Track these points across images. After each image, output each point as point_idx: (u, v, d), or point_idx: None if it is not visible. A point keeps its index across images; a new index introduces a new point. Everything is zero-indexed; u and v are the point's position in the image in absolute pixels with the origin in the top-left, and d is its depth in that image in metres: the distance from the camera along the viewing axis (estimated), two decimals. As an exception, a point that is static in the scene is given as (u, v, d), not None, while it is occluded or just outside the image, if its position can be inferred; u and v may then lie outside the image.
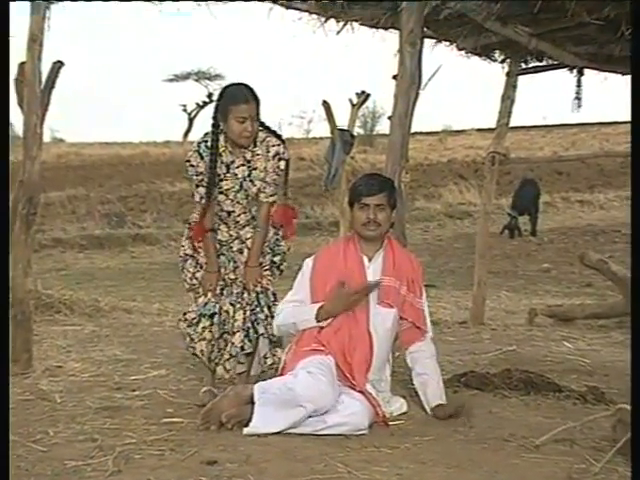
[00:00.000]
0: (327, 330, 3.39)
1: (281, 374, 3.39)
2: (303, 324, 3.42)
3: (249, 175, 3.66)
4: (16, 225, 4.19)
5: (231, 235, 3.75)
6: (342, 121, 8.30)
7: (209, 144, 3.64)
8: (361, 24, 5.10)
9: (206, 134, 3.68)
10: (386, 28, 5.06)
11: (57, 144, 33.24)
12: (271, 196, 3.69)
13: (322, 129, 35.64)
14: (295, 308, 3.47)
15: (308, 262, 3.55)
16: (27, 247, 4.25)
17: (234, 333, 3.70)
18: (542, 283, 10.09)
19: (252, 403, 3.17)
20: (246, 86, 3.61)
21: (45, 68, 4.27)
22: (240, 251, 3.75)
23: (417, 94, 4.40)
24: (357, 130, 20.72)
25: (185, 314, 3.79)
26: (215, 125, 3.64)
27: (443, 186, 20.77)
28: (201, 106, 44.43)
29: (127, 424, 3.32)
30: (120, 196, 20.11)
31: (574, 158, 11.47)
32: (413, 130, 4.54)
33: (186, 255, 3.80)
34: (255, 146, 3.66)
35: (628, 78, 4.12)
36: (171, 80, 45.34)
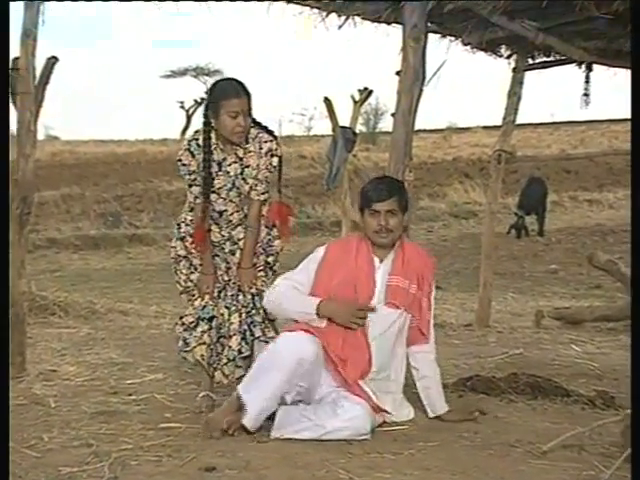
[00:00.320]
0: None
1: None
2: (299, 315, 3.40)
3: (241, 173, 3.66)
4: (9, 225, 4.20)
5: (223, 236, 3.75)
6: (344, 118, 8.29)
7: (200, 142, 3.64)
8: (363, 19, 5.09)
9: (196, 132, 3.68)
10: (389, 23, 5.06)
11: (51, 142, 33.27)
12: (263, 194, 3.69)
13: (323, 126, 35.73)
14: (292, 292, 3.44)
15: (320, 249, 3.56)
16: (21, 248, 4.25)
17: (231, 337, 3.71)
18: (549, 284, 10.09)
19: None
20: (236, 80, 3.61)
21: (39, 64, 4.27)
22: (232, 252, 3.76)
23: (421, 90, 4.39)
24: (359, 128, 20.73)
25: (182, 317, 3.79)
26: (206, 123, 3.63)
27: (448, 185, 20.77)
28: (199, 103, 44.35)
29: (123, 429, 3.32)
30: (116, 195, 20.13)
31: (582, 156, 11.49)
32: (417, 127, 4.54)
33: (179, 256, 3.80)
34: (247, 143, 3.66)
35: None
36: (168, 76, 45.39)
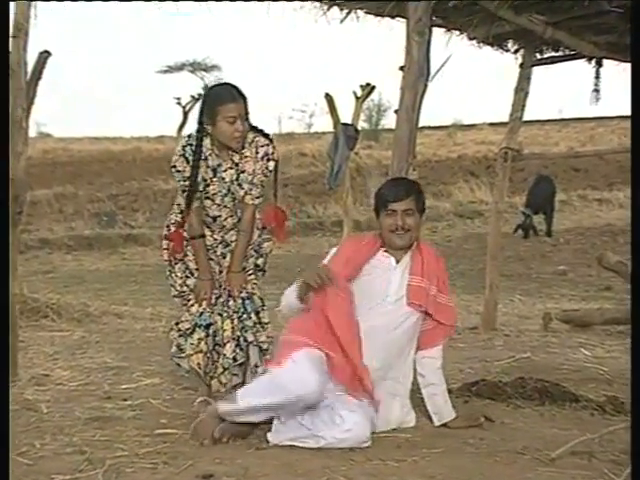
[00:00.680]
0: (318, 329, 3.38)
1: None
2: (293, 304, 3.40)
3: (237, 178, 3.69)
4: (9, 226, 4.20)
5: (215, 239, 3.78)
6: (346, 115, 8.30)
7: (193, 148, 3.63)
8: (366, 12, 5.10)
9: (189, 136, 3.68)
10: (392, 16, 5.07)
11: (44, 139, 33.26)
12: (257, 198, 3.71)
13: (324, 123, 35.73)
14: (287, 290, 3.48)
15: (333, 249, 3.60)
16: (12, 248, 4.25)
17: (225, 344, 3.73)
18: (558, 286, 10.08)
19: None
20: (231, 85, 3.62)
21: (31, 59, 4.28)
22: (224, 256, 3.78)
23: (425, 86, 4.40)
24: (361, 124, 20.65)
25: (178, 323, 3.79)
26: (200, 130, 3.63)
27: (453, 184, 20.76)
28: (196, 99, 44.37)
29: (118, 435, 3.32)
30: (111, 194, 20.14)
31: (592, 154, 11.45)
32: (421, 124, 4.54)
33: (175, 258, 3.81)
34: (243, 148, 3.67)
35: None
36: (165, 71, 45.34)
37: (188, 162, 3.64)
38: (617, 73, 5.95)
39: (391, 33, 5.06)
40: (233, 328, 3.73)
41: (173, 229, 3.77)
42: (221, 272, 3.77)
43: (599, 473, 2.93)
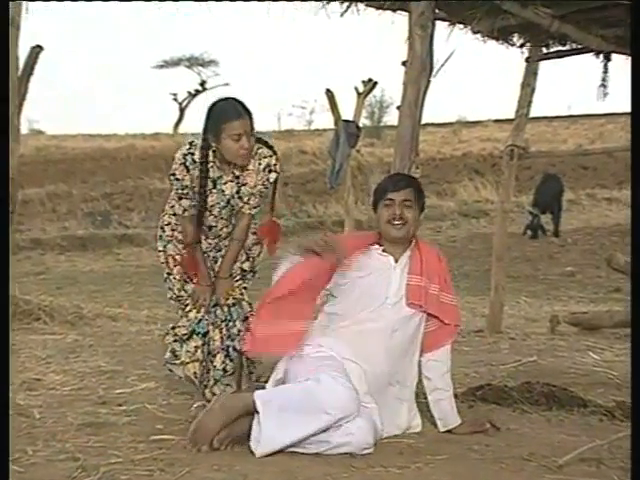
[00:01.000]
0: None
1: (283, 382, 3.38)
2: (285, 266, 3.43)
3: (238, 192, 3.70)
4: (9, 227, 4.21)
5: (209, 244, 3.83)
6: (347, 111, 8.31)
7: (196, 157, 3.64)
8: (367, 5, 5.09)
9: (191, 144, 3.68)
10: (394, 10, 5.06)
11: (36, 136, 33.27)
12: (254, 208, 3.75)
13: (325, 120, 35.80)
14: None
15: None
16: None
17: (215, 355, 3.74)
18: (565, 288, 10.09)
19: (247, 415, 3.16)
20: (235, 100, 3.63)
21: (22, 53, 4.28)
22: (215, 260, 3.81)
23: (428, 82, 4.40)
24: (363, 121, 20.65)
25: (174, 328, 3.80)
26: (205, 147, 3.63)
27: (457, 182, 20.77)
28: (193, 95, 44.49)
29: (112, 442, 3.32)
30: (105, 193, 20.15)
31: (600, 151, 11.47)
32: (424, 121, 4.54)
33: (175, 260, 3.82)
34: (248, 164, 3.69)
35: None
36: (161, 67, 45.42)
37: (188, 171, 3.65)
38: (626, 67, 5.94)
39: (393, 27, 5.05)
40: (222, 338, 3.76)
41: (183, 254, 3.77)
42: (215, 277, 3.80)
43: (608, 480, 2.93)
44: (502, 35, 5.95)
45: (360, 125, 8.30)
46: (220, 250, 3.81)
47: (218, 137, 3.57)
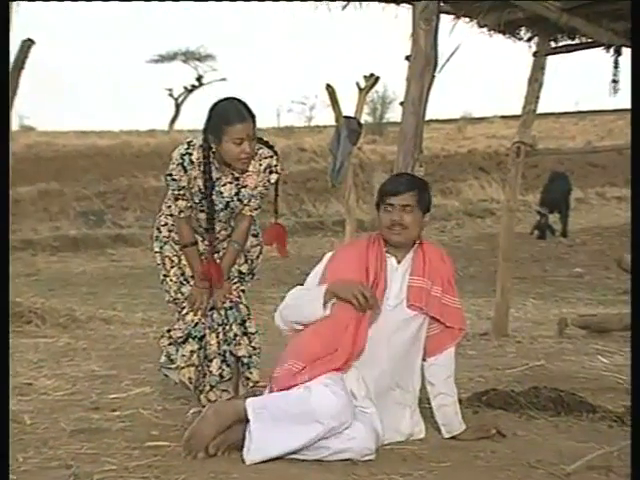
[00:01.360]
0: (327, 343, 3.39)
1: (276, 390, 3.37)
2: (308, 305, 3.40)
3: (237, 194, 3.70)
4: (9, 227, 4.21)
5: (207, 245, 3.82)
6: (348, 108, 8.30)
7: (194, 158, 3.63)
8: (370, -1, 5.09)
9: (189, 144, 3.67)
10: (398, 3, 5.06)
11: (26, 132, 33.26)
12: (255, 210, 3.75)
13: (325, 117, 35.77)
14: (301, 291, 3.49)
15: (327, 255, 3.60)
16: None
17: (211, 360, 3.74)
18: (574, 290, 10.08)
19: (241, 422, 3.16)
20: (239, 101, 3.61)
21: (13, 47, 4.28)
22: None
23: (432, 77, 4.40)
24: (365, 118, 20.64)
25: (170, 331, 3.81)
26: (205, 147, 3.63)
27: (462, 180, 20.77)
28: (189, 90, 44.47)
29: (106, 448, 3.32)
30: (98, 192, 20.14)
31: (610, 148, 11.45)
32: (428, 117, 4.54)
33: (172, 261, 3.82)
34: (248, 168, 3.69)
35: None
36: (156, 61, 45.39)
37: (186, 171, 3.65)
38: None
39: (396, 21, 5.05)
40: (219, 342, 3.76)
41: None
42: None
43: (618, 488, 2.94)
44: (509, 29, 5.96)
45: (362, 122, 8.27)
46: (218, 252, 3.82)
47: (219, 139, 3.56)
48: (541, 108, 6.62)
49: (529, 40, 6.28)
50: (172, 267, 3.82)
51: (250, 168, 3.67)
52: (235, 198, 3.70)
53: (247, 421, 3.14)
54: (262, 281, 3.90)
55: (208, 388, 3.77)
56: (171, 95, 44.04)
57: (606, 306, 8.57)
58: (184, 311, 3.79)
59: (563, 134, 27.88)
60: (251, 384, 3.81)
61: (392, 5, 5.13)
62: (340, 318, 3.33)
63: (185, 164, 3.64)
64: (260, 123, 3.72)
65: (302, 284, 3.58)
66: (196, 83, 44.21)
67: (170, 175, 3.67)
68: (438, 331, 3.53)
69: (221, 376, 3.75)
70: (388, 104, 31.81)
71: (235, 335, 3.77)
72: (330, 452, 3.15)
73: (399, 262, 3.51)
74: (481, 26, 5.65)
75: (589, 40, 6.07)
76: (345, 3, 5.07)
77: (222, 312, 3.77)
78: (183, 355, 3.75)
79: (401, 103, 4.48)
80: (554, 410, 3.92)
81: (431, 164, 20.53)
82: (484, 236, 15.25)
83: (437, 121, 29.71)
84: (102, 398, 4.23)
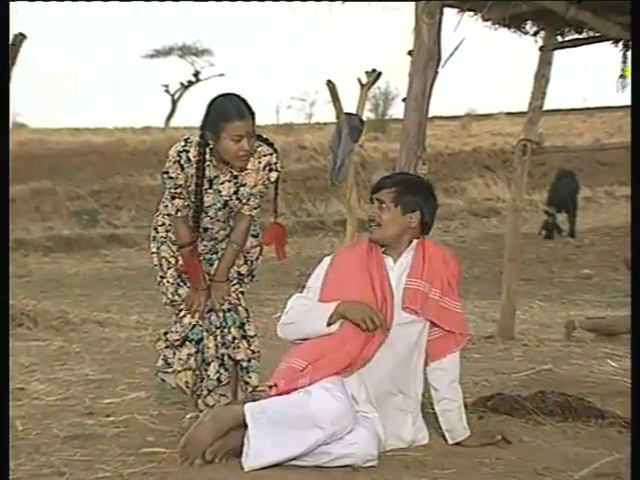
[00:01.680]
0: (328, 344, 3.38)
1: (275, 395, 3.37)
2: (311, 324, 3.40)
3: (236, 192, 3.70)
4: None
5: (205, 246, 3.84)
6: (349, 104, 8.30)
7: (191, 155, 3.63)
8: (372, -9, 5.10)
9: (186, 141, 3.67)
10: (400, -3, 5.06)
11: (18, 130, 33.28)
12: (255, 209, 3.75)
13: (326, 113, 35.85)
14: (304, 307, 3.47)
15: (327, 259, 3.60)
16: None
17: (209, 363, 3.74)
18: (581, 291, 10.08)
19: (240, 428, 3.16)
20: (239, 97, 3.61)
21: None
22: (211, 263, 3.82)
23: (436, 72, 4.40)
24: (367, 114, 20.66)
25: (167, 334, 3.81)
26: (202, 144, 3.63)
27: (467, 179, 20.78)
28: (186, 86, 44.54)
29: (100, 455, 3.32)
30: (92, 191, 20.16)
31: (619, 146, 11.44)
32: (431, 114, 4.55)
33: (169, 262, 3.82)
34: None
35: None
36: (151, 56, 45.48)
37: (183, 169, 3.64)
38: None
39: (399, 14, 5.06)
40: (217, 346, 3.76)
41: (178, 256, 3.76)
42: (211, 280, 3.79)
43: (627, 496, 2.94)
44: (514, 23, 5.96)
45: (364, 118, 8.27)
46: (216, 252, 3.82)
47: (217, 136, 3.56)
48: (548, 104, 6.61)
49: (535, 34, 6.28)
50: (169, 268, 3.82)
51: (249, 166, 3.67)
52: (234, 197, 3.70)
53: (246, 426, 3.14)
54: (261, 283, 3.90)
55: (206, 392, 3.77)
56: (167, 91, 44.16)
57: (615, 308, 8.57)
58: (181, 314, 3.79)
59: (571, 131, 27.90)
60: (250, 389, 3.80)
61: (394, -1, 5.14)
62: (350, 329, 3.34)
63: (182, 162, 3.63)
64: (259, 120, 3.71)
65: (301, 285, 3.58)
66: (193, 79, 44.32)
67: (167, 173, 3.67)
68: (440, 335, 3.52)
69: (219, 380, 3.75)
70: (390, 100, 31.87)
71: (234, 338, 3.77)
72: (331, 457, 3.15)
73: (395, 261, 3.50)
74: (486, 20, 5.65)
75: (597, 34, 6.07)
76: (346, -3, 5.07)
77: (220, 314, 3.77)
78: (180, 359, 3.75)
79: (404, 99, 4.48)
80: (561, 415, 3.92)
81: (434, 162, 20.53)
82: (489, 236, 15.25)
83: (441, 118, 29.74)
84: (96, 403, 4.23)
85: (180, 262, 3.80)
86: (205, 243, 3.81)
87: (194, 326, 3.76)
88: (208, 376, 3.75)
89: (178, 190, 3.67)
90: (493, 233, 15.46)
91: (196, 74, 44.57)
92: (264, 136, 3.75)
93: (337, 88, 8.32)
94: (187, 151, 3.64)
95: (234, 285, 3.83)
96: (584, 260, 12.97)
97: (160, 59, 45.59)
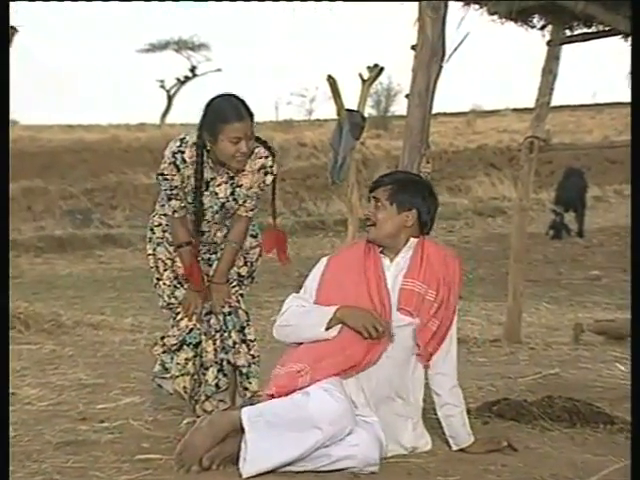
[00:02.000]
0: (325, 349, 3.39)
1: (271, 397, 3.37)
2: (309, 329, 3.41)
3: (232, 193, 3.71)
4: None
5: (204, 245, 3.84)
6: (351, 100, 8.31)
7: (186, 156, 3.63)
8: (374, -16, 5.10)
9: (182, 141, 3.68)
10: (403, -11, 5.07)
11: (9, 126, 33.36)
12: (251, 210, 3.76)
13: (327, 109, 35.83)
14: (301, 309, 3.48)
15: (324, 259, 3.61)
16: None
17: (207, 368, 3.75)
18: (590, 293, 10.09)
19: (237, 434, 3.16)
20: (237, 98, 3.62)
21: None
22: (209, 263, 3.82)
23: (440, 68, 4.40)
24: (369, 111, 20.64)
25: (163, 338, 3.81)
26: (200, 145, 3.64)
27: (472, 177, 20.80)
28: (182, 82, 44.55)
29: (94, 462, 3.32)
30: (85, 189, 20.18)
31: (629, 144, 11.44)
32: (435, 111, 4.54)
33: (164, 264, 3.83)
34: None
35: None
36: (147, 51, 45.51)
37: (179, 170, 3.65)
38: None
39: (402, 8, 5.06)
40: (215, 350, 3.76)
41: (188, 263, 3.77)
42: (210, 281, 3.80)
43: (636, 504, 2.93)
44: (521, 16, 5.97)
45: (365, 115, 8.29)
46: (215, 253, 3.82)
47: (215, 137, 3.56)
48: (556, 100, 6.63)
49: (543, 28, 6.29)
50: (165, 270, 3.82)
51: (246, 167, 3.68)
52: (230, 198, 3.71)
53: (243, 431, 3.14)
54: (260, 284, 3.90)
55: (203, 398, 3.77)
56: (163, 87, 44.15)
57: (624, 311, 8.56)
58: (178, 317, 3.79)
59: (579, 128, 27.92)
60: (249, 394, 3.80)
61: (397, -8, 5.14)
62: (349, 336, 3.35)
63: (177, 163, 3.64)
64: (257, 117, 3.72)
65: (301, 285, 3.58)
66: (189, 74, 44.31)
67: (162, 174, 3.67)
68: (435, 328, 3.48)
69: (217, 386, 3.75)
70: (393, 96, 31.89)
71: (234, 343, 3.77)
72: (331, 460, 3.14)
73: (391, 261, 3.51)
74: (492, 14, 5.66)
75: (606, 28, 6.08)
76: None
77: (220, 317, 3.77)
78: (178, 363, 3.75)
79: (407, 95, 4.48)
80: (569, 421, 3.92)
81: (438, 160, 20.56)
82: (495, 236, 15.26)
83: (445, 114, 29.79)
84: (90, 408, 4.23)
85: (177, 263, 3.81)
86: (202, 247, 3.82)
87: (191, 329, 3.77)
88: (206, 381, 3.75)
89: (174, 191, 3.68)
90: (499, 233, 15.47)
91: (193, 69, 44.59)
92: (263, 138, 3.76)
93: (338, 83, 8.33)
94: (182, 152, 3.64)
95: (234, 287, 3.83)
96: (593, 261, 12.98)
97: (155, 54, 45.67)
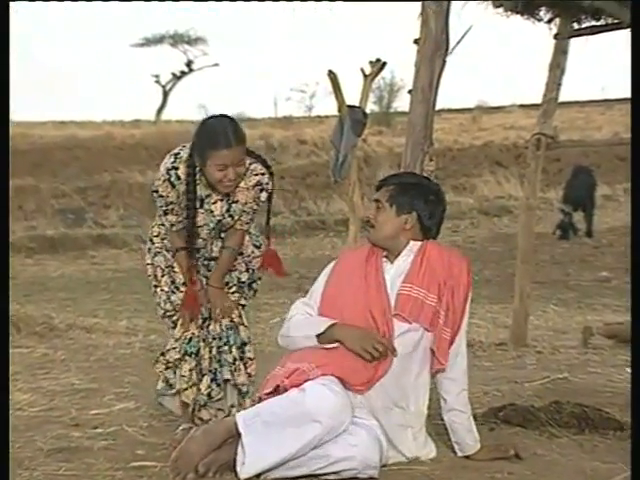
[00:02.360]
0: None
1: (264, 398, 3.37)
2: (303, 340, 3.43)
3: (228, 210, 3.74)
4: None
5: (202, 262, 3.85)
6: (352, 96, 8.31)
7: (181, 173, 3.65)
8: (375, -24, 5.10)
9: (176, 157, 3.69)
10: (406, -19, 5.07)
11: None
12: (246, 224, 3.79)
13: (327, 106, 35.81)
14: (303, 319, 3.50)
15: (330, 265, 3.64)
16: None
17: (203, 375, 3.76)
18: (599, 295, 10.08)
19: (233, 440, 3.17)
20: (230, 121, 3.63)
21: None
22: (208, 268, 3.82)
23: (444, 62, 4.40)
24: (370, 107, 20.62)
25: (164, 354, 3.81)
26: (190, 165, 3.66)
27: (477, 176, 20.80)
28: (178, 77, 44.55)
29: (87, 469, 3.33)
30: (78, 188, 20.16)
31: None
32: (439, 107, 4.55)
33: (162, 271, 3.83)
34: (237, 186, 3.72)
35: None
36: (141, 45, 45.49)
37: (173, 187, 3.67)
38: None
39: (404, 3, 5.06)
40: (211, 359, 3.77)
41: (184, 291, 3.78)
42: (207, 284, 3.80)
43: (647, 513, 2.93)
44: (527, 9, 5.98)
45: (367, 111, 8.29)
46: (214, 259, 3.82)
47: (204, 161, 3.60)
48: (563, 96, 6.63)
49: (550, 21, 6.29)
50: (163, 276, 3.83)
51: (241, 184, 3.71)
52: (226, 215, 3.74)
53: (239, 436, 3.15)
54: (259, 286, 3.90)
55: (198, 407, 3.78)
56: (158, 82, 44.14)
57: (635, 313, 8.57)
58: (176, 330, 3.80)
59: (588, 124, 27.89)
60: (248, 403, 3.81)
61: (400, -16, 5.14)
62: (348, 356, 3.35)
63: (172, 179, 3.67)
64: (256, 113, 3.78)
65: (301, 287, 3.60)
66: (185, 69, 44.31)
67: (157, 192, 3.70)
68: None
69: (209, 396, 3.76)
70: (395, 92, 31.85)
71: (234, 359, 3.78)
72: (330, 461, 3.14)
73: (391, 263, 3.51)
74: (497, 6, 5.67)
75: (615, 21, 6.07)
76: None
77: (218, 328, 3.77)
78: (183, 376, 3.76)
79: (409, 91, 4.48)
80: (578, 427, 3.92)
81: (442, 158, 20.55)
82: (501, 236, 15.26)
83: (449, 110, 29.76)
84: (83, 414, 4.24)
85: (175, 269, 3.81)
86: (200, 263, 3.83)
87: (190, 339, 3.78)
88: (199, 389, 3.76)
89: (170, 207, 3.71)
90: (505, 233, 15.48)
91: (189, 64, 44.59)
92: (259, 154, 3.78)
93: (339, 79, 8.34)
94: (176, 168, 3.67)
95: (234, 293, 3.83)
96: (602, 262, 12.97)
97: (150, 48, 45.63)
